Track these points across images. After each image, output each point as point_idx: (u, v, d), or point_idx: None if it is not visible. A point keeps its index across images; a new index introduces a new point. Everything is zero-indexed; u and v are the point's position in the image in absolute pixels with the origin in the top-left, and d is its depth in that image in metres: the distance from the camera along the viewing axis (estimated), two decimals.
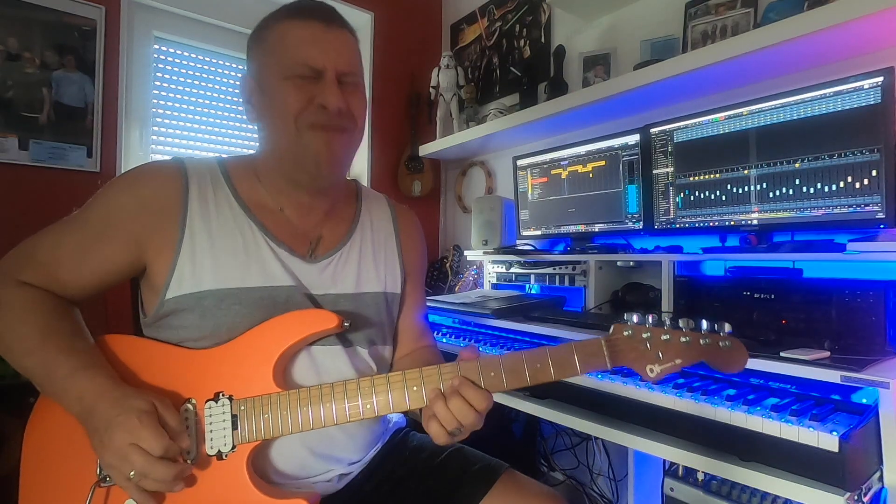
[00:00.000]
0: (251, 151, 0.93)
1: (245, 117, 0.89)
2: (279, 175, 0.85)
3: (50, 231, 0.79)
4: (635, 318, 0.71)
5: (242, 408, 0.73)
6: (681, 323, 0.70)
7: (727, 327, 0.69)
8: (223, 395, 0.74)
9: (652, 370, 0.69)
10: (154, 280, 0.79)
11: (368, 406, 0.73)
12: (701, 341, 0.69)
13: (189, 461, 0.71)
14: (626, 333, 0.71)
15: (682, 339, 0.69)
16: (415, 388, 0.73)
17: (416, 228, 1.04)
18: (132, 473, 0.65)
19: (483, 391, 0.70)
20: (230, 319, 0.77)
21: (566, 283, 1.67)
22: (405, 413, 0.88)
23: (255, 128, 0.87)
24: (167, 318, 0.79)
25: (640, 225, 1.56)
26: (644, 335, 0.70)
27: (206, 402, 0.74)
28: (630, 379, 1.07)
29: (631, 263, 1.54)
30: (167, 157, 0.87)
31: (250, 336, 0.77)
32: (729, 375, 1.04)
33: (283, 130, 0.79)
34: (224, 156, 0.91)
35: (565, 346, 0.72)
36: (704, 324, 0.69)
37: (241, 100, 0.86)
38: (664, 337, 0.69)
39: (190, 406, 0.74)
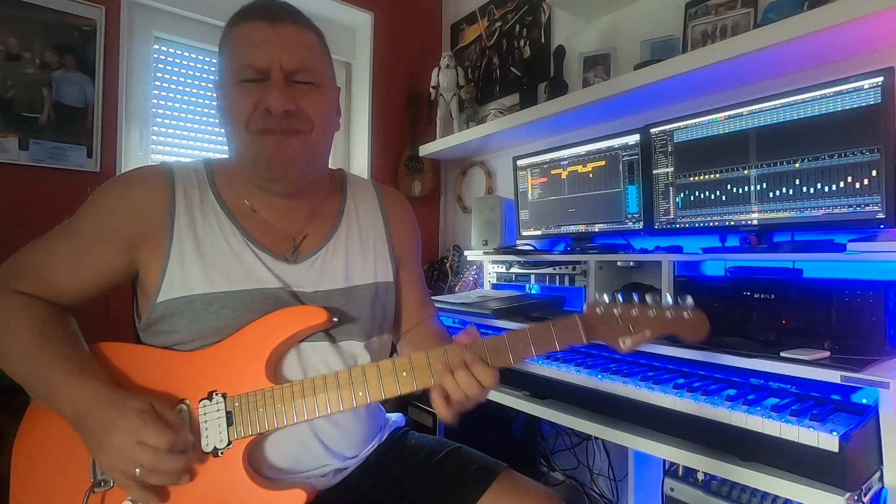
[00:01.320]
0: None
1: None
2: (243, 175, 0.85)
3: (43, 240, 0.80)
4: (606, 298, 0.77)
5: (237, 404, 0.74)
6: (647, 299, 0.75)
7: (689, 300, 0.74)
8: (217, 393, 0.75)
9: (624, 342, 0.74)
10: (146, 285, 0.80)
11: (361, 394, 0.75)
12: (667, 314, 0.74)
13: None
14: (598, 311, 0.76)
15: (650, 313, 0.74)
16: (404, 374, 0.74)
17: (406, 211, 1.02)
18: (138, 471, 0.66)
19: (491, 369, 0.73)
20: (220, 323, 0.78)
21: (566, 283, 1.67)
22: (404, 412, 0.88)
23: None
24: (158, 322, 0.79)
25: (640, 225, 1.56)
26: (615, 311, 0.75)
27: (200, 401, 0.74)
28: (630, 379, 1.07)
29: (631, 263, 1.54)
30: (155, 163, 0.87)
31: (240, 335, 0.78)
32: (729, 375, 1.04)
33: (237, 137, 0.80)
34: (211, 157, 0.91)
35: (543, 325, 0.75)
36: (668, 298, 0.75)
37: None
38: (633, 311, 0.75)
39: (184, 406, 0.74)
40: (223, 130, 0.85)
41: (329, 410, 0.74)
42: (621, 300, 0.76)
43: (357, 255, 0.91)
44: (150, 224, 0.79)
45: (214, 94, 0.86)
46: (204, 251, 0.80)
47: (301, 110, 0.78)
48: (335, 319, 0.81)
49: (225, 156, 0.91)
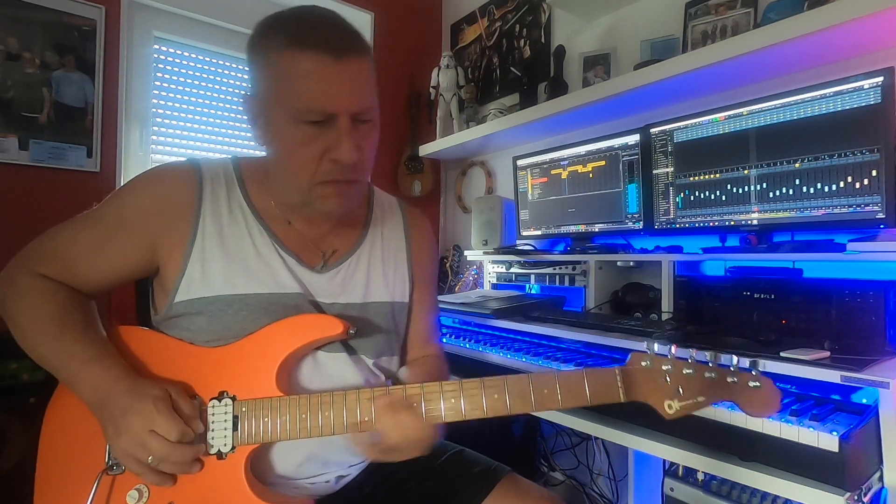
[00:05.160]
0: (254, 152, 0.90)
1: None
2: (285, 197, 0.83)
3: (68, 225, 0.80)
4: (656, 348, 0.67)
5: (244, 409, 0.74)
6: (707, 356, 0.65)
7: (761, 365, 0.64)
8: (227, 394, 0.74)
9: (671, 406, 0.64)
10: (165, 281, 0.80)
11: (367, 419, 0.73)
12: (728, 379, 0.64)
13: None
14: (643, 364, 0.67)
15: (707, 375, 0.64)
16: (415, 405, 0.72)
17: (428, 235, 1.01)
18: (151, 458, 0.67)
19: (421, 420, 0.69)
20: (238, 324, 0.78)
21: (566, 283, 1.67)
22: None
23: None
24: (176, 318, 0.79)
25: (640, 225, 1.56)
26: (664, 367, 0.65)
27: (210, 400, 0.74)
28: None
29: (631, 263, 1.54)
30: (182, 159, 0.86)
31: (256, 337, 0.77)
32: None
33: (294, 182, 0.76)
34: (239, 155, 0.90)
35: (576, 373, 0.68)
36: (734, 359, 0.64)
37: (245, 116, 0.80)
38: (686, 371, 0.64)
39: (195, 403, 0.74)
40: (260, 144, 0.79)
41: (333, 431, 0.73)
42: (674, 353, 0.65)
43: (378, 272, 0.90)
44: (175, 222, 0.79)
45: (241, 103, 0.79)
46: (228, 250, 0.80)
47: (362, 159, 0.76)
48: (352, 332, 0.79)
49: (253, 155, 0.89)
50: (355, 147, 0.73)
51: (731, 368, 0.64)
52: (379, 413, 0.71)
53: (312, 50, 0.69)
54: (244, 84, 2.17)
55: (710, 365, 0.65)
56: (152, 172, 0.84)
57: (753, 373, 0.64)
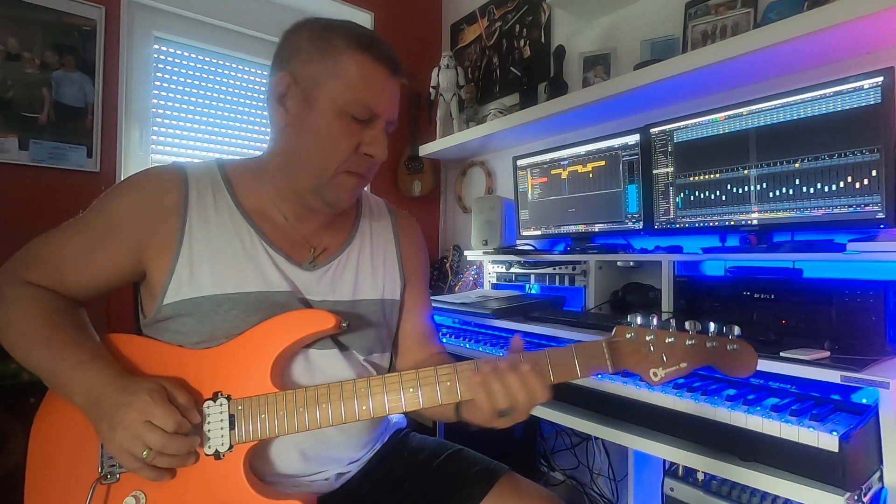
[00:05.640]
0: (253, 153, 0.92)
1: (266, 114, 0.83)
2: (289, 186, 0.84)
3: (55, 233, 0.80)
4: (639, 320, 0.70)
5: (240, 407, 0.74)
6: (687, 325, 0.68)
7: (736, 330, 0.67)
8: (221, 394, 0.74)
9: (656, 374, 0.68)
10: (152, 284, 0.80)
11: (364, 408, 0.73)
12: (707, 344, 0.67)
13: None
14: (628, 336, 0.70)
15: (688, 342, 0.68)
16: (411, 390, 0.72)
17: (417, 234, 1.03)
18: (146, 453, 0.66)
19: (547, 388, 0.69)
20: (228, 324, 0.78)
21: (566, 283, 1.67)
22: (405, 413, 0.88)
23: (276, 128, 0.82)
24: (165, 321, 0.79)
25: (640, 225, 1.56)
26: (648, 337, 0.69)
27: (205, 401, 0.74)
28: (630, 379, 1.07)
29: (631, 263, 1.54)
30: (167, 163, 0.86)
31: (248, 336, 0.77)
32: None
33: (318, 165, 0.80)
34: (224, 157, 0.90)
35: (565, 349, 0.71)
36: (712, 326, 0.67)
37: (269, 94, 0.81)
38: (668, 339, 0.68)
39: (190, 396, 0.73)
40: (282, 129, 0.81)
41: (331, 423, 0.73)
42: (655, 324, 0.69)
43: (367, 270, 0.91)
44: (161, 225, 0.79)
45: (272, 82, 0.80)
46: (215, 251, 0.80)
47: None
48: (345, 325, 0.79)
49: (236, 158, 0.90)
50: (386, 148, 0.81)
51: (710, 334, 0.67)
52: (486, 378, 0.69)
53: (377, 60, 0.78)
54: (244, 84, 2.18)
55: (690, 332, 0.68)
56: (137, 177, 0.84)
57: (730, 337, 0.66)
